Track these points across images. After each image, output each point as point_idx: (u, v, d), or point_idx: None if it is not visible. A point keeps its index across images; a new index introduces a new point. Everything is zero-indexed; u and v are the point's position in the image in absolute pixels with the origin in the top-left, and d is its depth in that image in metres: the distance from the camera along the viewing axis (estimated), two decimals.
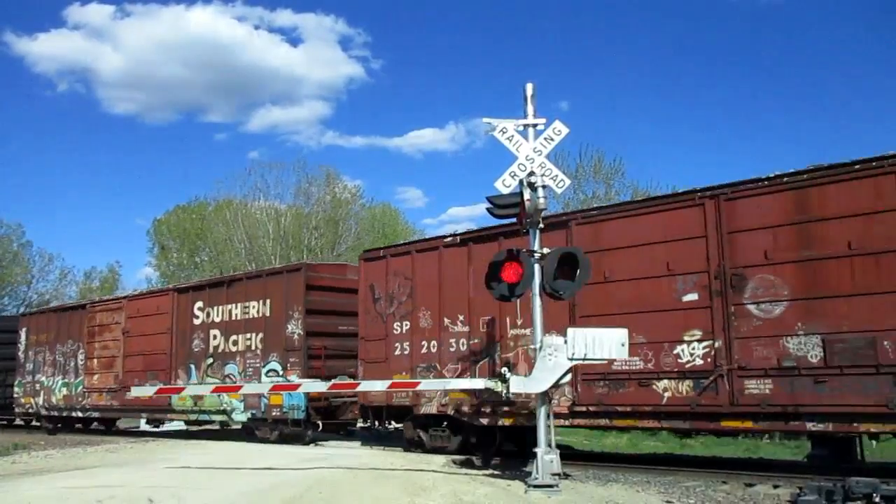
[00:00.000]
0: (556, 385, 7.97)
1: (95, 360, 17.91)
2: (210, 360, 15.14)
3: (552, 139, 8.30)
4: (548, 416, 7.83)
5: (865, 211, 7.87)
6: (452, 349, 11.11)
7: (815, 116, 54.78)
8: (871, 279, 7.73)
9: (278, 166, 36.88)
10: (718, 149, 55.07)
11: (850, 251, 7.88)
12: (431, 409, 11.20)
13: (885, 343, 7.51)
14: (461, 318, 11.05)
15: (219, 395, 14.34)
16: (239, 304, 14.63)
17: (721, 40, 58.10)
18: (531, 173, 7.96)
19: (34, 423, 20.33)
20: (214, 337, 15.11)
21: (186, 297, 16.00)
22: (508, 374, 7.95)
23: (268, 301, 14.09)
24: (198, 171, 69.64)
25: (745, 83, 55.30)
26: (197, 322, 15.51)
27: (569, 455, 10.17)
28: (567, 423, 10.04)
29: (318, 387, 10.71)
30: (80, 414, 18.51)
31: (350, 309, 12.93)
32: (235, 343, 14.60)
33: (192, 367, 15.43)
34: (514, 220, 8.86)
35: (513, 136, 8.32)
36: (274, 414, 13.50)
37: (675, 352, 8.95)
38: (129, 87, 65.84)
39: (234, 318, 14.70)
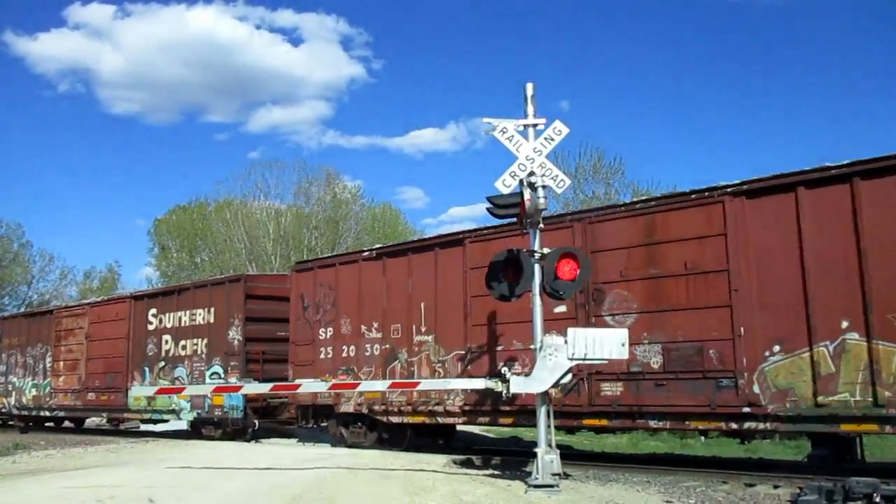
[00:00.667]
0: (556, 384, 7.98)
1: (61, 363, 18.85)
2: (162, 364, 16.16)
3: (552, 139, 8.29)
4: (548, 417, 7.82)
5: (698, 235, 8.95)
6: (367, 353, 12.10)
7: (816, 115, 54.85)
8: (701, 295, 8.84)
9: (278, 166, 36.95)
10: (719, 148, 55.16)
11: (685, 270, 8.99)
12: (349, 408, 12.14)
13: (711, 351, 8.65)
14: (375, 325, 12.06)
15: (169, 396, 15.35)
16: (187, 312, 15.74)
17: (722, 40, 58.16)
18: (531, 173, 7.95)
19: (9, 423, 20.93)
20: (166, 342, 16.15)
21: (142, 304, 17.04)
22: (508, 375, 7.95)
23: (212, 309, 15.17)
24: (198, 171, 69.82)
25: (746, 83, 55.37)
26: (151, 328, 16.56)
27: (569, 455, 10.19)
28: (460, 420, 11.16)
29: (320, 387, 10.98)
30: (48, 413, 19.50)
31: (287, 316, 13.61)
32: (184, 348, 15.66)
33: (147, 369, 16.47)
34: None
35: (513, 136, 8.31)
36: (216, 413, 14.53)
37: None
38: (130, 87, 66.01)
39: (183, 324, 15.79)
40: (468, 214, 57.84)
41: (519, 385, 7.88)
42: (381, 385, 10.49)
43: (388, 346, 11.83)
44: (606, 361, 8.18)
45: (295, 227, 35.36)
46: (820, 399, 7.90)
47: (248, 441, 14.14)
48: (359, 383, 10.48)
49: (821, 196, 8.17)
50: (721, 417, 8.62)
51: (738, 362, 8.42)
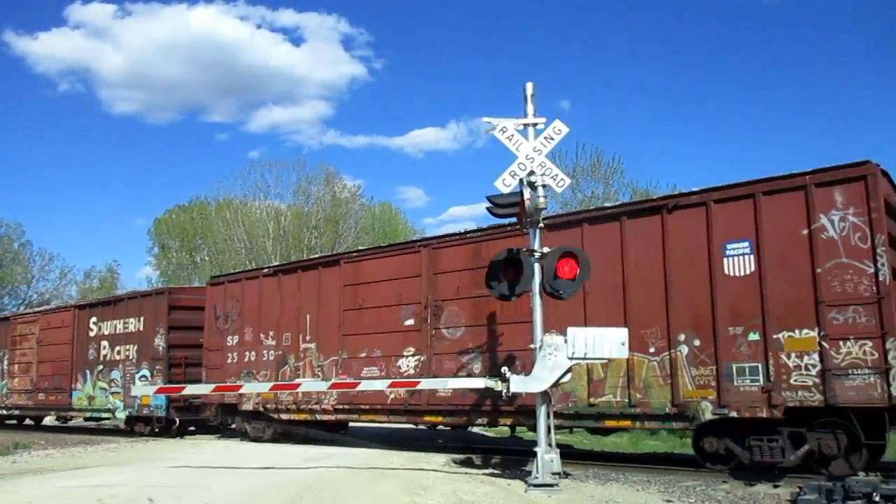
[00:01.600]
0: (556, 384, 7.98)
1: (16, 366, 20.48)
2: (100, 367, 17.61)
3: (552, 138, 8.29)
4: (548, 416, 7.82)
5: None
6: (264, 358, 13.59)
7: (816, 116, 54.84)
8: (513, 313, 10.04)
9: (278, 165, 36.90)
10: (719, 148, 55.16)
11: None
12: (249, 406, 13.64)
13: (518, 360, 9.93)
14: (271, 333, 13.54)
15: (105, 396, 17.18)
16: (122, 320, 17.33)
17: (722, 40, 58.16)
18: (531, 172, 7.95)
19: None
20: (104, 347, 17.69)
21: (84, 312, 18.53)
22: (508, 374, 7.94)
23: (142, 318, 16.74)
24: (199, 171, 69.71)
25: (746, 82, 55.35)
26: (92, 334, 18.08)
27: (569, 454, 10.21)
28: (332, 417, 12.61)
29: (320, 386, 11.45)
30: (4, 412, 21.18)
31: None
32: (119, 353, 17.21)
33: (88, 372, 17.98)
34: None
35: (513, 135, 8.30)
36: (144, 412, 16.15)
37: (398, 363, 11.51)
38: (131, 87, 65.89)
39: (118, 331, 17.38)
40: (468, 214, 57.91)
41: (519, 384, 7.87)
42: (380, 384, 10.48)
43: (280, 352, 13.32)
44: (605, 360, 8.23)
45: (295, 226, 35.34)
46: (592, 400, 9.45)
47: (174, 437, 15.88)
48: (359, 382, 10.34)
49: (598, 231, 9.76)
50: (523, 413, 9.96)
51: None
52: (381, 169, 67.14)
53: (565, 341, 7.57)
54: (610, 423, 9.61)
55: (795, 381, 7.93)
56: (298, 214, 35.72)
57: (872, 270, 7.72)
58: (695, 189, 9.12)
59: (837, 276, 7.93)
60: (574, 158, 27.86)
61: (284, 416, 13.17)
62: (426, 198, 65.91)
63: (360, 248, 11.71)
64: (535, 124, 8.31)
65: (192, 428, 16.88)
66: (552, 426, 7.88)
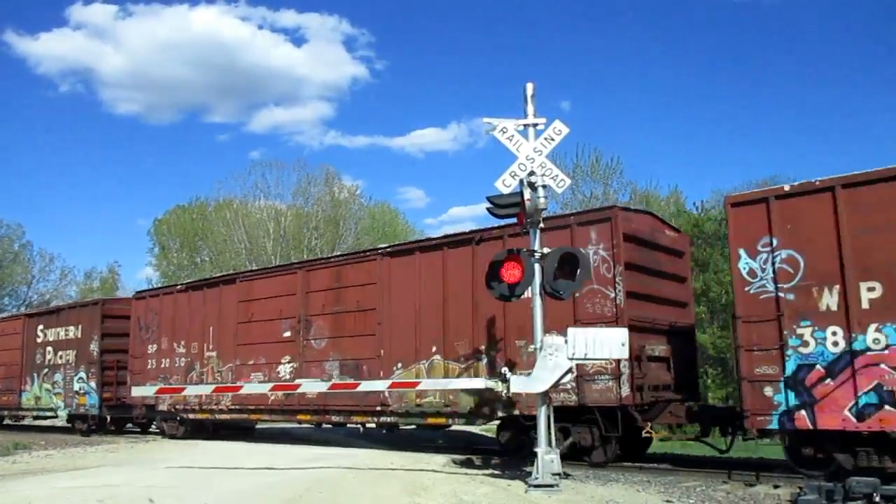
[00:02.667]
0: (556, 385, 7.98)
1: None
2: (45, 370, 19.33)
3: (552, 139, 8.28)
4: (548, 417, 7.82)
5: (363, 283, 12.27)
6: (177, 364, 15.28)
7: (816, 116, 54.84)
8: (362, 326, 12.18)
9: (279, 166, 36.91)
10: (719, 148, 55.17)
11: (355, 308, 12.31)
12: (164, 407, 15.32)
13: (364, 367, 12.00)
14: (183, 342, 15.22)
15: (49, 397, 18.90)
16: (63, 328, 19.06)
17: (723, 40, 58.17)
18: (531, 173, 7.95)
19: None
20: (49, 352, 19.41)
21: (33, 321, 20.45)
22: (509, 375, 7.95)
23: (80, 326, 18.45)
24: (200, 171, 69.64)
25: (747, 83, 55.36)
26: (39, 341, 19.83)
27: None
28: (228, 416, 14.30)
29: (319, 387, 11.40)
30: None
31: None
32: (61, 357, 18.92)
33: (35, 375, 19.73)
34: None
35: (513, 135, 8.30)
36: (81, 411, 17.92)
37: (277, 369, 13.22)
38: (132, 88, 65.75)
39: (60, 338, 19.09)
40: (469, 214, 57.88)
41: (519, 385, 7.88)
42: (381, 385, 10.65)
43: (189, 359, 15.06)
44: (606, 361, 8.24)
45: (295, 227, 35.37)
46: (418, 401, 11.23)
47: (113, 434, 17.72)
48: (359, 384, 10.53)
49: (427, 259, 11.55)
50: (369, 413, 11.96)
51: (378, 375, 11.58)
52: (381, 169, 67.22)
53: (566, 342, 7.57)
54: (430, 420, 11.46)
55: (560, 385, 8.93)
56: (299, 215, 35.74)
57: (613, 295, 9.56)
58: (496, 225, 10.71)
59: (590, 298, 9.76)
60: (574, 159, 27.92)
61: (192, 416, 14.89)
62: (427, 198, 65.98)
63: (252, 268, 14.23)
64: (535, 125, 8.31)
65: (130, 426, 18.49)
66: (552, 426, 7.88)
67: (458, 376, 10.60)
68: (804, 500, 6.76)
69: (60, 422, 19.85)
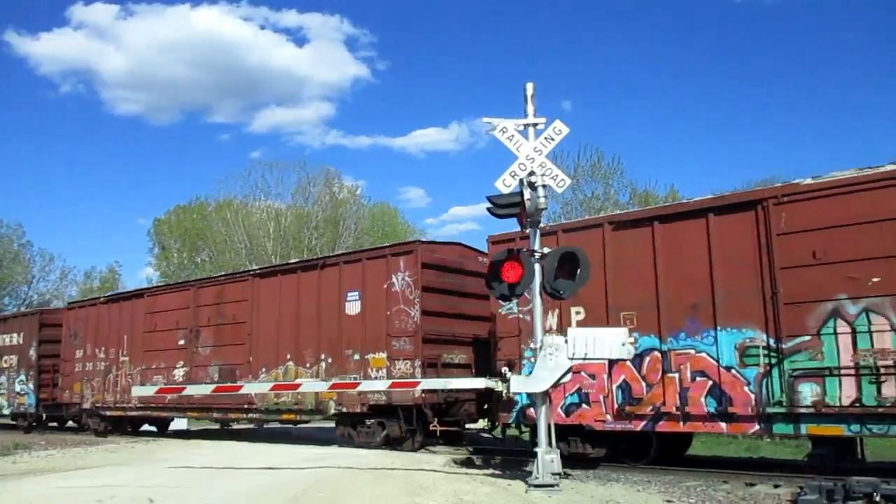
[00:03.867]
0: (556, 385, 7.98)
1: None
2: None
3: (552, 139, 8.27)
4: (547, 417, 7.81)
5: (239, 299, 14.38)
6: (98, 368, 17.35)
7: (816, 116, 54.82)
8: (237, 336, 14.24)
9: (279, 166, 36.88)
10: (719, 149, 55.16)
11: (232, 321, 14.41)
12: (87, 405, 17.45)
13: (237, 371, 13.99)
14: (103, 349, 17.35)
15: None
16: (8, 335, 21.01)
17: (723, 40, 58.16)
18: (531, 173, 7.93)
19: None
20: None
21: None
22: (509, 374, 7.94)
23: (22, 333, 20.47)
24: (201, 171, 69.64)
25: (747, 83, 55.34)
26: None
27: (569, 454, 10.21)
28: (136, 413, 16.74)
29: (319, 386, 11.90)
30: None
31: None
32: (5, 362, 20.88)
33: None
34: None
35: (513, 135, 8.28)
36: (21, 409, 20.02)
37: (173, 373, 15.30)
38: (133, 88, 65.75)
39: (5, 343, 21.03)
40: (469, 214, 57.89)
41: (519, 384, 7.87)
42: (380, 385, 11.18)
43: (107, 363, 17.08)
44: (606, 360, 8.24)
45: (295, 227, 35.34)
46: (276, 400, 13.33)
47: (42, 430, 19.74)
48: (359, 383, 10.95)
49: (287, 280, 13.69)
50: (241, 411, 14.17)
51: (248, 378, 13.59)
52: (382, 169, 67.19)
53: (566, 342, 7.57)
54: (285, 416, 13.48)
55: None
56: (299, 215, 35.71)
57: (413, 314, 11.68)
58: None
59: (398, 316, 11.87)
60: (575, 159, 27.87)
61: (109, 413, 16.96)
62: (428, 198, 65.95)
63: (158, 284, 17.32)
64: (535, 125, 8.29)
65: (71, 423, 19.98)
66: (552, 426, 7.88)
67: (304, 377, 12.86)
68: (804, 499, 6.76)
69: (4, 420, 21.44)
